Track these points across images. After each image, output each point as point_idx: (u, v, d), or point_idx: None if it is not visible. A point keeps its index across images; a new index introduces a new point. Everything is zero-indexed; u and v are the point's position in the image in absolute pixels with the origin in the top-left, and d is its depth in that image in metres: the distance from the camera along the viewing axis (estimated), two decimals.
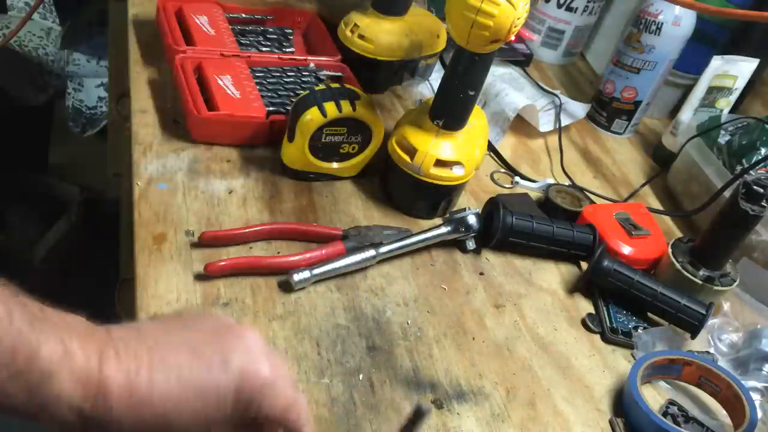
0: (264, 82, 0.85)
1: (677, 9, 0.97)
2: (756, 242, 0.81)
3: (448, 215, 0.78)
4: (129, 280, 0.71)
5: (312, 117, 0.74)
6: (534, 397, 0.65)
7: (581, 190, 0.90)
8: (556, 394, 0.66)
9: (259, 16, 0.98)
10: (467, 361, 0.66)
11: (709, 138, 0.93)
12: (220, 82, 0.81)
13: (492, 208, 0.78)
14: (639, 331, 0.73)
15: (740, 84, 1.00)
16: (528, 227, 0.77)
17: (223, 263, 0.65)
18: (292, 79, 0.87)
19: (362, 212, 0.79)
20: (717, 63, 0.98)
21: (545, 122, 1.01)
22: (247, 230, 0.70)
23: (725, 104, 1.01)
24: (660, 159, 1.05)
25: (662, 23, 0.98)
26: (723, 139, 0.94)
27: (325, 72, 0.89)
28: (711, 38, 1.08)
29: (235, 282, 0.66)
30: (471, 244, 0.77)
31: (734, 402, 0.65)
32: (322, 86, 0.77)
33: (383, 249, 0.72)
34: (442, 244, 0.77)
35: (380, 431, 0.58)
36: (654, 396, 0.69)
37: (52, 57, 1.66)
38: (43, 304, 0.37)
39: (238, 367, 0.41)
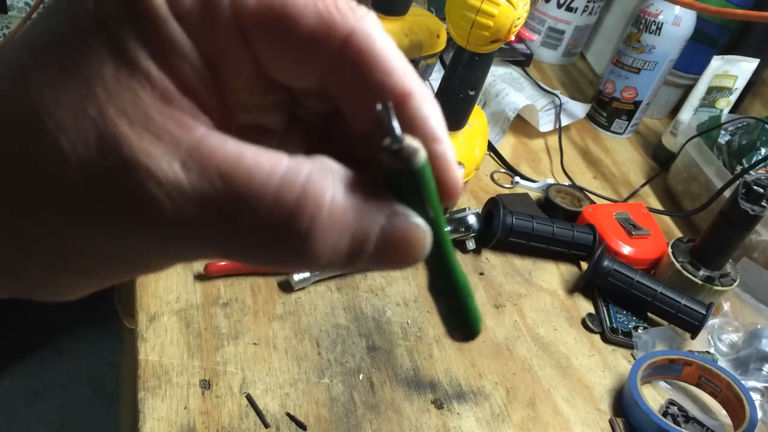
0: None
1: (677, 9, 0.97)
2: (756, 242, 0.81)
3: (448, 215, 0.78)
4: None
5: None
6: (534, 397, 0.65)
7: (581, 190, 0.90)
8: (556, 394, 0.66)
9: None
10: (467, 361, 0.66)
11: (709, 138, 0.93)
12: None
13: (492, 208, 0.78)
14: (639, 331, 0.73)
15: (740, 84, 1.00)
16: (528, 227, 0.77)
17: (223, 263, 0.65)
18: None
19: None
20: (717, 63, 0.98)
21: (545, 122, 1.01)
22: None
23: (725, 104, 1.01)
24: (660, 159, 1.05)
25: (662, 23, 0.98)
26: (723, 139, 0.94)
27: None
28: (711, 38, 1.08)
29: (235, 282, 0.66)
30: (471, 244, 0.77)
31: (734, 402, 0.65)
32: None
33: None
34: None
35: (380, 431, 0.58)
36: (654, 396, 0.69)
37: None
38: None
39: None
